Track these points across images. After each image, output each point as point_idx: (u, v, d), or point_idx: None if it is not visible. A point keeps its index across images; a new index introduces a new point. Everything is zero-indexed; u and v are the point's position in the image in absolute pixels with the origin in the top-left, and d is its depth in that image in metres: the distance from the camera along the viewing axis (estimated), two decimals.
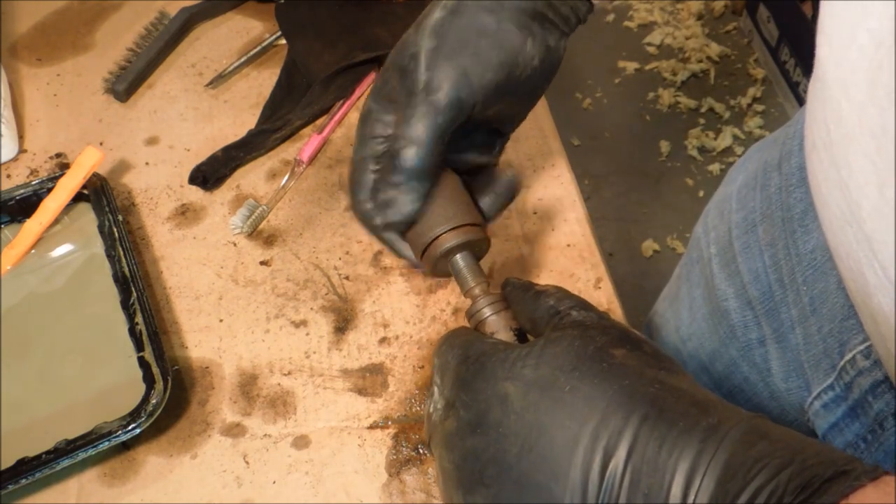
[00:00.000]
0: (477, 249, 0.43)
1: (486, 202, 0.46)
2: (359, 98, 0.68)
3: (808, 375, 0.52)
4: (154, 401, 0.47)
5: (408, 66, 0.41)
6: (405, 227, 0.43)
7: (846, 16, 0.34)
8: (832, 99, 0.36)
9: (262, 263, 0.57)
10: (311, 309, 0.55)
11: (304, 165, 0.62)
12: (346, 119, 0.66)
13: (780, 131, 0.58)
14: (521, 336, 0.39)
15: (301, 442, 0.49)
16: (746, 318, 0.58)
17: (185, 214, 0.60)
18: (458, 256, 0.42)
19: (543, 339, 0.34)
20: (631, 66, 2.02)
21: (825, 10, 0.37)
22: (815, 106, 0.39)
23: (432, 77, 0.40)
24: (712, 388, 0.67)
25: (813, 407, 0.50)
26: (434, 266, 0.43)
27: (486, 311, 0.40)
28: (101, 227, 0.56)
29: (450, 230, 0.42)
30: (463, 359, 0.36)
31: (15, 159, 0.64)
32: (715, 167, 1.81)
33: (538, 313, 0.37)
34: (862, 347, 0.46)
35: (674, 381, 0.31)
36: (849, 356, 0.47)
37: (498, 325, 0.39)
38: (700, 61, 2.01)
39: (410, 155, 0.40)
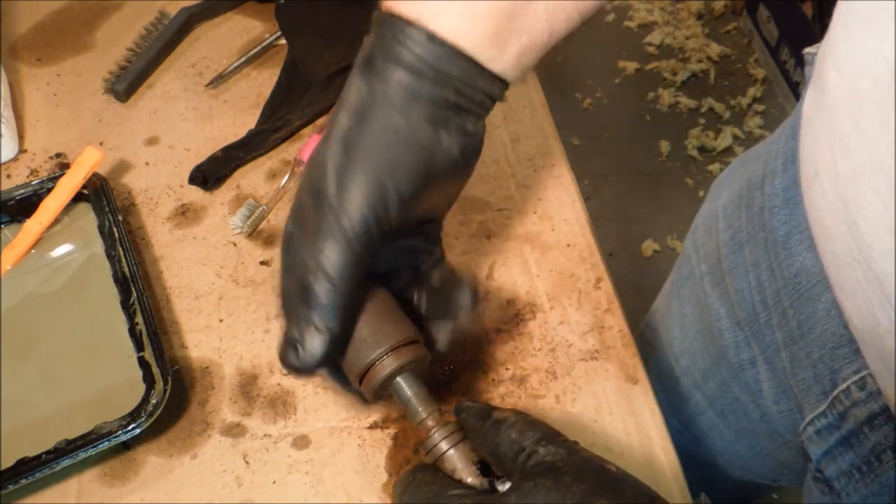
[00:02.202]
0: (419, 366, 0.40)
1: (439, 328, 0.41)
2: None
3: (800, 399, 0.51)
4: (154, 401, 0.47)
5: (318, 184, 0.36)
6: (313, 372, 0.38)
7: (861, 40, 0.32)
8: (840, 129, 0.34)
9: (262, 263, 0.57)
10: None
11: (303, 165, 0.62)
12: None
13: (762, 147, 0.57)
14: (484, 467, 0.37)
15: (301, 442, 0.49)
16: (738, 339, 0.58)
17: (185, 214, 0.60)
18: (401, 382, 0.39)
19: (515, 492, 0.32)
20: (631, 66, 2.02)
21: (838, 32, 0.35)
22: (818, 133, 0.37)
23: (343, 197, 0.35)
24: (705, 407, 0.67)
25: (806, 432, 0.50)
26: (375, 393, 0.39)
27: (444, 446, 0.37)
28: (101, 227, 0.56)
29: (387, 354, 0.38)
30: None
31: (15, 159, 0.64)
32: (715, 167, 1.81)
33: (501, 448, 0.35)
34: (856, 378, 0.45)
35: None
36: (842, 386, 0.46)
37: (458, 461, 0.37)
38: (700, 61, 2.01)
39: (321, 290, 0.35)
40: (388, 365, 0.38)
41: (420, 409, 0.39)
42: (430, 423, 0.38)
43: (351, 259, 0.36)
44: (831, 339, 0.46)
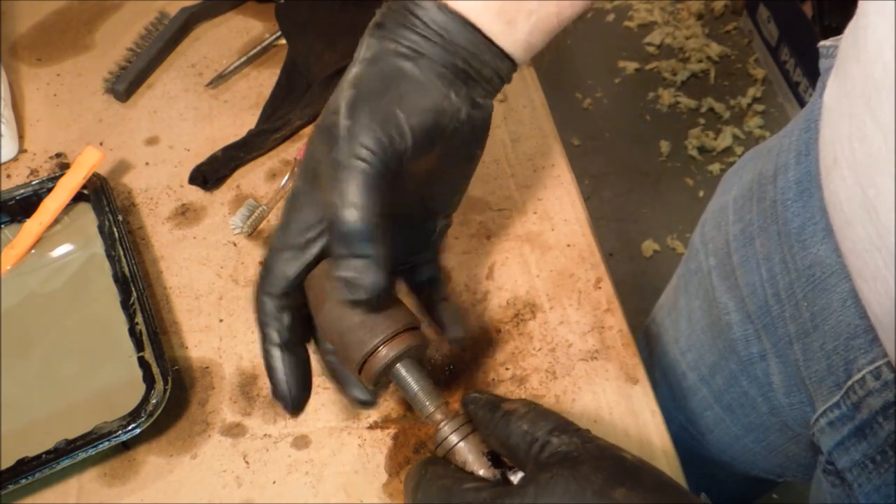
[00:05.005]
0: (417, 352, 0.40)
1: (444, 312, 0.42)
2: None
3: (811, 391, 0.51)
4: (154, 401, 0.47)
5: (330, 122, 0.37)
6: (376, 306, 0.37)
7: (876, 27, 0.33)
8: (857, 116, 0.35)
9: (262, 263, 0.57)
10: None
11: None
12: None
13: (773, 141, 0.57)
14: (495, 458, 0.37)
15: (301, 442, 0.49)
16: (747, 332, 0.58)
17: (185, 214, 0.60)
18: (403, 372, 0.39)
19: (532, 484, 0.31)
20: (631, 66, 2.02)
21: (859, 20, 0.36)
22: (838, 121, 0.38)
23: (355, 123, 0.35)
24: (711, 402, 0.67)
25: (818, 424, 0.50)
26: (374, 381, 0.39)
27: (454, 439, 0.37)
28: (101, 227, 0.56)
29: (386, 341, 0.38)
30: None
31: (15, 159, 0.64)
32: (715, 167, 1.81)
33: (512, 439, 0.34)
34: (871, 368, 0.45)
35: None
36: (857, 376, 0.46)
37: (469, 453, 0.37)
38: (700, 61, 2.01)
39: (350, 217, 0.35)
40: (386, 353, 0.38)
41: (427, 402, 0.39)
42: (438, 416, 0.38)
43: (369, 183, 0.35)
44: (846, 329, 0.46)
